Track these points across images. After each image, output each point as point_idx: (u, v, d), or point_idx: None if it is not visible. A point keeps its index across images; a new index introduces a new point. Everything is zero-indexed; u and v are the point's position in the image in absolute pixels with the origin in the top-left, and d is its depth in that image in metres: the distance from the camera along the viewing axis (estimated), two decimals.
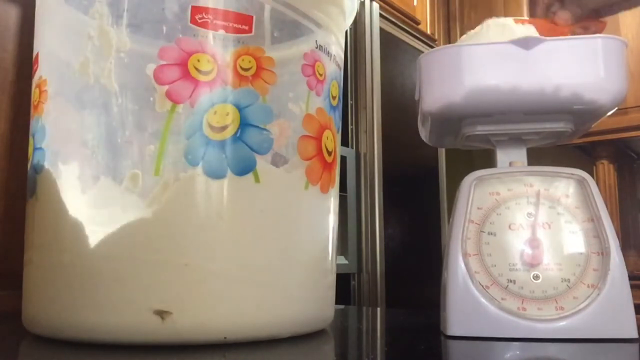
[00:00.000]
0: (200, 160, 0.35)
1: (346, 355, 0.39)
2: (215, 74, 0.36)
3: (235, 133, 0.36)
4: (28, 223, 0.41)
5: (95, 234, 0.35)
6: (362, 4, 1.50)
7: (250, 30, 0.38)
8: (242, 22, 0.38)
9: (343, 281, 1.33)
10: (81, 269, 0.35)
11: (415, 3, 1.90)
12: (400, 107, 1.57)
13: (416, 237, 1.60)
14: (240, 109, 0.37)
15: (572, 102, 0.43)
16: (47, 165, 0.39)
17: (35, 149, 0.40)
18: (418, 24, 1.88)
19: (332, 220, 0.44)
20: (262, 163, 0.37)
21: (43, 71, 0.41)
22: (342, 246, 1.34)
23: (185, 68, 0.36)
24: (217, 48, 0.37)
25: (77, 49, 0.38)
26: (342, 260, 1.32)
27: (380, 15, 1.55)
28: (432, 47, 1.79)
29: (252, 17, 0.38)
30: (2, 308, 0.55)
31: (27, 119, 0.44)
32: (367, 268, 1.38)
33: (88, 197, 0.36)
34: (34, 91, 0.42)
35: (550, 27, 0.50)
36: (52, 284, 0.37)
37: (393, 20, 1.64)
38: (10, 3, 0.62)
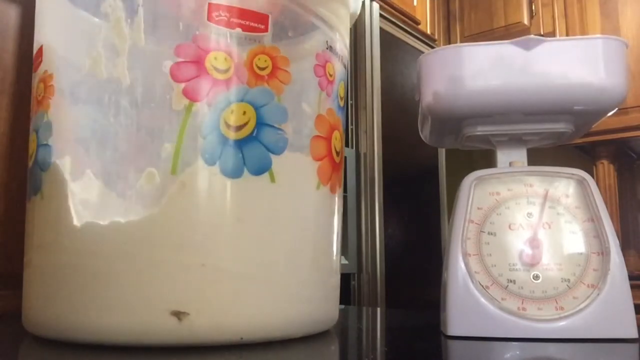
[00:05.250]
0: (217, 160, 0.35)
1: (346, 355, 0.39)
2: (232, 73, 0.36)
3: (252, 132, 0.36)
4: (29, 223, 0.41)
5: (110, 234, 0.35)
6: (362, 4, 1.50)
7: (266, 29, 0.38)
8: (258, 21, 0.38)
9: (343, 281, 1.33)
10: (95, 269, 0.35)
11: (415, 3, 1.90)
12: (400, 107, 1.57)
13: (416, 237, 1.60)
14: (256, 108, 0.37)
15: (573, 102, 0.43)
16: (54, 162, 0.38)
17: (39, 145, 0.40)
18: (418, 24, 1.88)
19: (338, 220, 0.44)
20: (277, 163, 0.37)
21: (49, 65, 0.40)
22: (342, 246, 1.34)
23: (202, 66, 0.36)
24: (234, 46, 0.37)
25: (89, 44, 0.37)
26: (342, 260, 1.32)
27: (380, 15, 1.55)
28: (432, 47, 1.79)
29: (268, 15, 0.38)
30: (2, 308, 0.55)
31: (27, 119, 0.44)
32: (367, 268, 1.38)
33: (101, 195, 0.36)
34: (38, 85, 0.41)
35: None
36: (62, 285, 0.36)
37: (393, 20, 1.64)
38: (10, 3, 0.62)
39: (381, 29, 1.54)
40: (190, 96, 0.35)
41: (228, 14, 0.37)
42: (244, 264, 0.36)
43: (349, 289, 1.36)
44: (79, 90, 0.38)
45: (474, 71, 0.43)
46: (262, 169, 0.37)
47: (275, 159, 0.37)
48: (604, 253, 0.41)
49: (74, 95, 0.38)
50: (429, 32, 1.99)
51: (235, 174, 0.36)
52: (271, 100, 0.38)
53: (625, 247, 2.08)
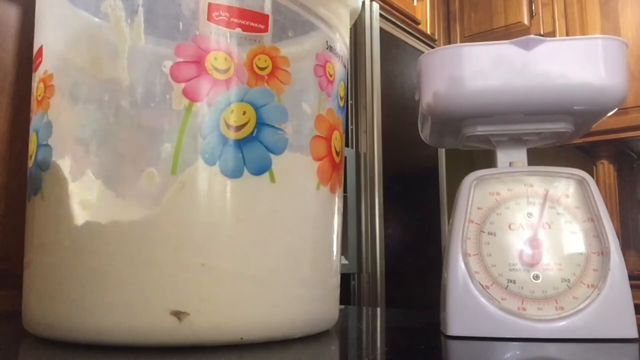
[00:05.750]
0: (217, 160, 0.35)
1: (346, 355, 0.39)
2: (232, 73, 0.36)
3: (252, 132, 0.36)
4: (29, 223, 0.41)
5: (109, 234, 0.35)
6: (362, 4, 1.50)
7: (266, 29, 0.38)
8: (258, 21, 0.38)
9: (343, 281, 1.33)
10: (95, 269, 0.35)
11: (415, 3, 1.90)
12: (400, 107, 1.57)
13: (416, 237, 1.60)
14: (256, 108, 0.37)
15: (573, 102, 0.43)
16: (54, 162, 0.38)
17: (39, 145, 0.40)
18: (418, 24, 1.88)
19: (338, 220, 0.44)
20: (277, 163, 0.37)
21: (49, 65, 0.40)
22: (342, 246, 1.34)
23: (202, 66, 0.36)
24: (234, 46, 0.37)
25: (89, 44, 0.37)
26: (342, 260, 1.32)
27: (380, 15, 1.55)
28: (432, 47, 1.79)
29: (268, 15, 0.38)
30: (2, 308, 0.55)
31: (27, 119, 0.44)
32: (367, 268, 1.38)
33: (101, 195, 0.36)
34: (38, 86, 0.41)
35: None
36: (62, 285, 0.36)
37: (393, 20, 1.64)
38: (10, 3, 0.62)
39: (381, 29, 1.54)
40: (190, 96, 0.35)
41: (228, 14, 0.37)
42: (243, 264, 0.36)
43: (349, 289, 1.36)
44: (79, 90, 0.38)
45: (474, 71, 0.43)
46: (262, 169, 0.37)
47: (275, 159, 0.37)
48: (604, 253, 0.41)
49: (74, 95, 0.38)
50: (429, 32, 1.99)
51: (235, 174, 0.36)
52: (271, 100, 0.38)
53: (625, 247, 2.08)
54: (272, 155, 0.37)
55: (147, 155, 0.35)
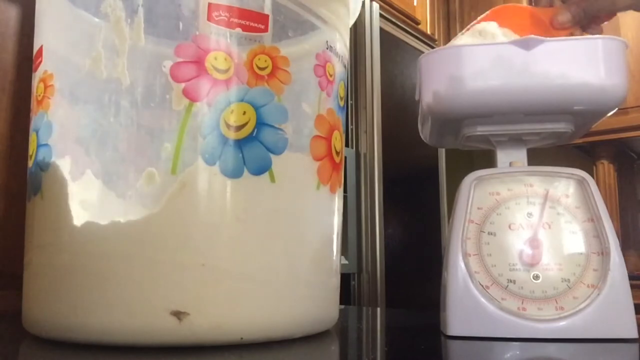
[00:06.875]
0: (217, 160, 0.35)
1: (346, 355, 0.39)
2: (232, 73, 0.36)
3: (252, 132, 0.36)
4: (29, 223, 0.41)
5: (109, 234, 0.35)
6: (362, 4, 1.50)
7: (266, 29, 0.38)
8: (258, 21, 0.38)
9: (343, 281, 1.33)
10: (95, 269, 0.35)
11: (415, 3, 1.90)
12: (400, 107, 1.57)
13: (416, 237, 1.61)
14: (256, 108, 0.37)
15: (573, 102, 0.43)
16: (54, 162, 0.38)
17: (39, 145, 0.40)
18: (418, 24, 1.88)
19: (338, 220, 0.44)
20: (277, 163, 0.37)
21: (49, 65, 0.40)
22: (342, 246, 1.34)
23: (202, 66, 0.36)
24: (234, 46, 0.37)
25: (89, 44, 0.37)
26: (342, 260, 1.32)
27: (380, 15, 1.55)
28: (432, 47, 1.79)
29: (268, 15, 0.38)
30: (2, 308, 0.55)
31: (27, 119, 0.44)
32: (367, 268, 1.38)
33: (101, 195, 0.36)
34: (38, 86, 0.41)
35: (546, 28, 0.50)
36: (62, 285, 0.36)
37: (393, 20, 1.64)
38: (10, 3, 0.62)
39: (381, 29, 1.54)
40: (190, 96, 0.35)
41: (228, 14, 0.37)
42: (244, 264, 0.36)
43: (349, 289, 1.36)
44: (79, 90, 0.38)
45: (474, 71, 0.43)
46: (262, 169, 0.37)
47: (275, 159, 0.37)
48: (604, 253, 0.41)
49: (74, 95, 0.38)
50: (429, 32, 1.99)
51: (235, 174, 0.36)
52: (271, 100, 0.38)
53: (625, 247, 2.08)
54: (272, 155, 0.37)
55: (147, 155, 0.35)
